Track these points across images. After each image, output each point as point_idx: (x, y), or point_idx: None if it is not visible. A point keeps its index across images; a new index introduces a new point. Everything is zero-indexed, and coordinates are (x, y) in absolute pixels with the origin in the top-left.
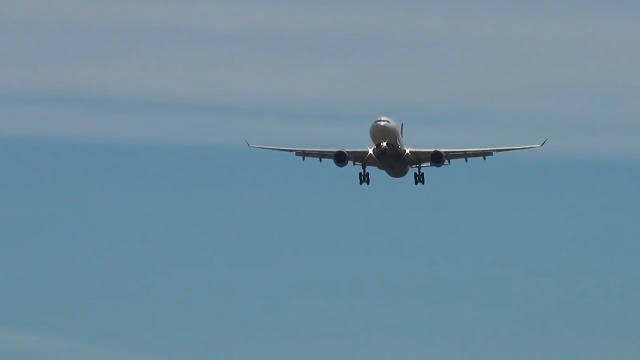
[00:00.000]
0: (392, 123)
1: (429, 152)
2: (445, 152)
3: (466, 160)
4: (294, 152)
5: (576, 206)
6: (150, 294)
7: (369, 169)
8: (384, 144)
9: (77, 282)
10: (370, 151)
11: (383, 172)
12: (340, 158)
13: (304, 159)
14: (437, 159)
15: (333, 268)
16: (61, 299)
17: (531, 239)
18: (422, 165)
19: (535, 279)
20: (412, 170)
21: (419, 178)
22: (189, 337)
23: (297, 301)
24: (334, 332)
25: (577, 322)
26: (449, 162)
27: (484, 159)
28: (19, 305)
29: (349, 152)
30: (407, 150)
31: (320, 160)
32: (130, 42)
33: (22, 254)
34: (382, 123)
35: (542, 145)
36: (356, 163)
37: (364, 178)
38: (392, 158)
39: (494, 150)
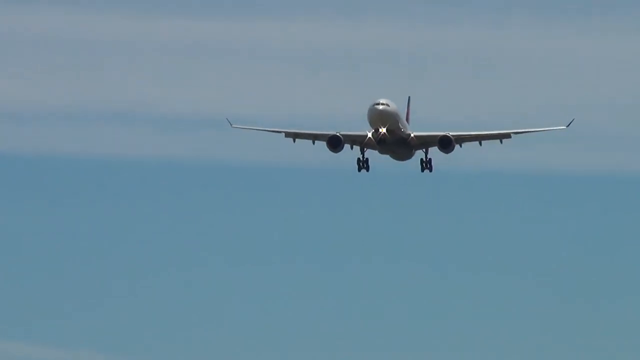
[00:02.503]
0: (393, 106)
1: (436, 136)
2: (455, 135)
3: (480, 144)
4: (284, 134)
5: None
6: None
7: (370, 152)
8: (383, 130)
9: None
10: (370, 135)
11: (385, 156)
12: (335, 143)
13: (294, 140)
14: (445, 144)
15: (327, 268)
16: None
17: (550, 237)
18: (430, 148)
19: (554, 284)
20: (419, 153)
21: (426, 164)
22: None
23: (286, 304)
24: (331, 334)
25: (584, 327)
26: (460, 146)
27: (501, 142)
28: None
29: (345, 136)
30: (412, 135)
31: (314, 143)
32: (180, 60)
33: (68, 267)
34: (380, 107)
35: (568, 126)
36: (354, 147)
37: (363, 164)
38: (393, 144)
39: (512, 133)
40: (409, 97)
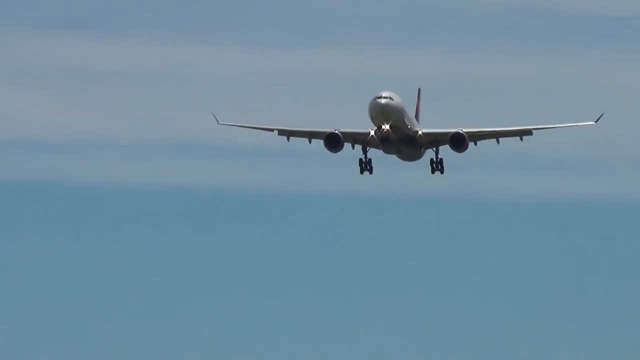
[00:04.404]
0: (397, 100)
1: (448, 133)
2: (469, 132)
3: (498, 142)
4: (276, 132)
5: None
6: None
7: (373, 152)
8: (386, 126)
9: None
10: (372, 133)
11: (391, 156)
12: (333, 142)
13: (288, 139)
14: (458, 143)
15: (324, 283)
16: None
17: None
18: (441, 147)
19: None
20: (429, 153)
21: (437, 166)
22: None
23: (281, 319)
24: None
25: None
26: (475, 144)
27: (521, 139)
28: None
29: (346, 134)
30: (420, 132)
31: (310, 142)
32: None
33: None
34: (382, 101)
35: (596, 121)
36: (356, 146)
37: (366, 166)
38: (399, 143)
39: (533, 129)
40: (419, 89)
